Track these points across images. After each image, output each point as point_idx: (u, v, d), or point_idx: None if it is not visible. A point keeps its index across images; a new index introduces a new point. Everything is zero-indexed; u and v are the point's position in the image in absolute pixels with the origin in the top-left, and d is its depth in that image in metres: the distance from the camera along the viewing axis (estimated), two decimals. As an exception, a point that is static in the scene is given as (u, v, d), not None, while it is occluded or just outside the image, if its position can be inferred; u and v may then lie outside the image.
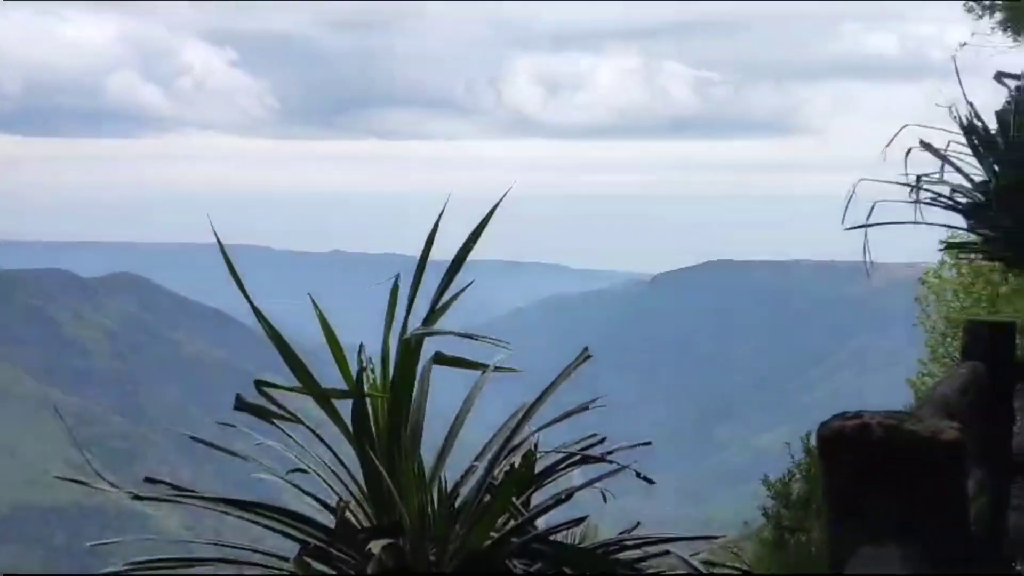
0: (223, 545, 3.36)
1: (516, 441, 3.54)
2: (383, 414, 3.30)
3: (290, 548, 3.13)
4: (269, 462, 3.53)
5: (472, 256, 3.52)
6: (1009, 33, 11.71)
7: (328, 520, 3.23)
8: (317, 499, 3.35)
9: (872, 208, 8.43)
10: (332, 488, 3.35)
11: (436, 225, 3.46)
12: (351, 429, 3.19)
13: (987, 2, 11.86)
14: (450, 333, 3.36)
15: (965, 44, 12.55)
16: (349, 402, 3.25)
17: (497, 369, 3.73)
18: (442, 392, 3.81)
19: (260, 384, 3.33)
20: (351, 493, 3.32)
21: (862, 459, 1.33)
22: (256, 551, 3.30)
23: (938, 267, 15.17)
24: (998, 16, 11.72)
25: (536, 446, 3.76)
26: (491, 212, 3.46)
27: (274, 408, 3.36)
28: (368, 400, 3.20)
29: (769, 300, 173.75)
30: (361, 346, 3.21)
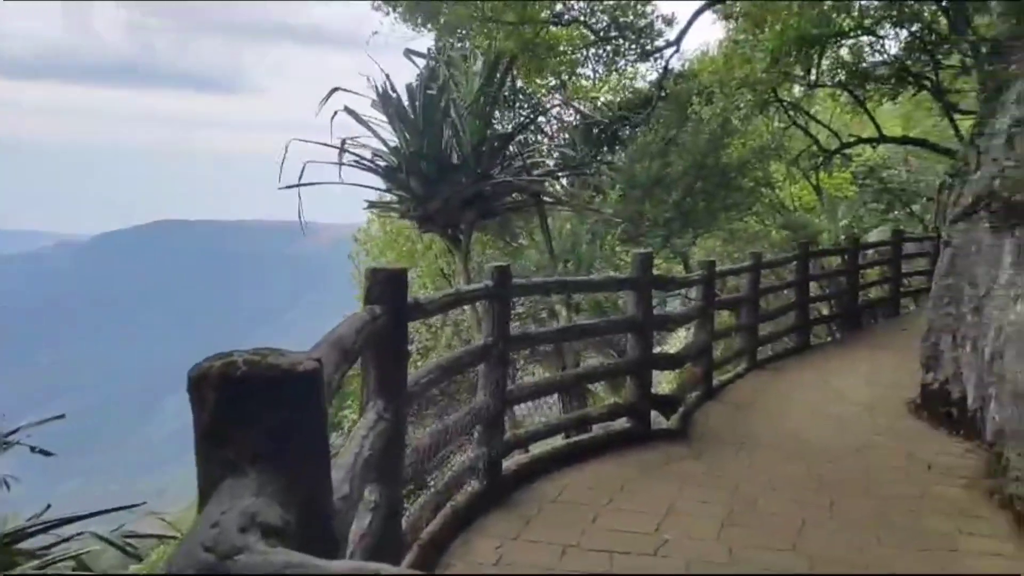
0: None
1: None
2: None
3: None
4: None
5: None
6: (409, 25, 13.24)
7: None
8: None
9: (303, 169, 8.82)
10: None
11: None
12: None
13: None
14: None
15: (376, 33, 13.81)
16: None
17: None
18: None
19: None
20: None
21: (226, 395, 1.36)
22: None
23: (367, 225, 16.69)
24: (400, 9, 13.14)
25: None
26: None
27: None
28: None
29: (219, 261, 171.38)
30: None
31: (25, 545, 3.18)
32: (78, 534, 3.30)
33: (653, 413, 7.25)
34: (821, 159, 17.01)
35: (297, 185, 8.68)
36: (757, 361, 10.34)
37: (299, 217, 8.89)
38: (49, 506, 3.58)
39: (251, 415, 1.38)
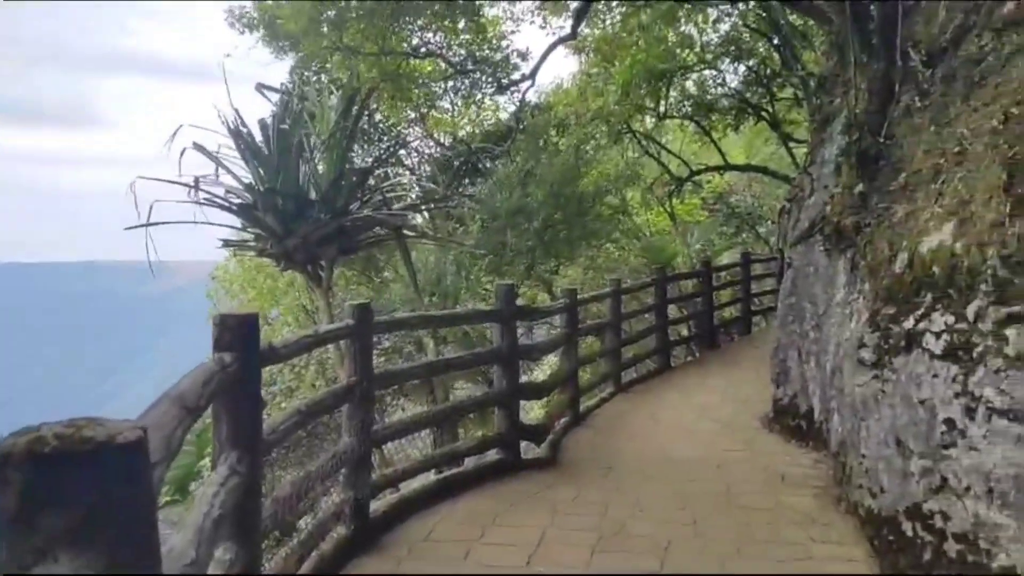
0: None
1: None
2: None
3: None
4: None
5: None
6: (269, 50, 12.97)
7: None
8: None
9: (151, 208, 8.41)
10: None
11: None
12: None
13: (243, 19, 12.90)
14: None
15: (229, 55, 13.45)
16: None
17: None
18: None
19: None
20: None
21: (33, 475, 1.25)
22: None
23: (225, 262, 16.10)
24: (260, 32, 12.86)
25: None
26: None
27: None
28: None
29: (65, 304, 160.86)
30: None
31: None
32: None
33: (524, 443, 7.28)
34: (673, 186, 17.77)
35: (145, 225, 8.26)
36: (622, 384, 10.60)
37: (147, 258, 8.45)
38: None
39: (63, 495, 1.27)
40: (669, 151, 19.19)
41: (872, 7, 6.05)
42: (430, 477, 6.74)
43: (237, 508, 3.11)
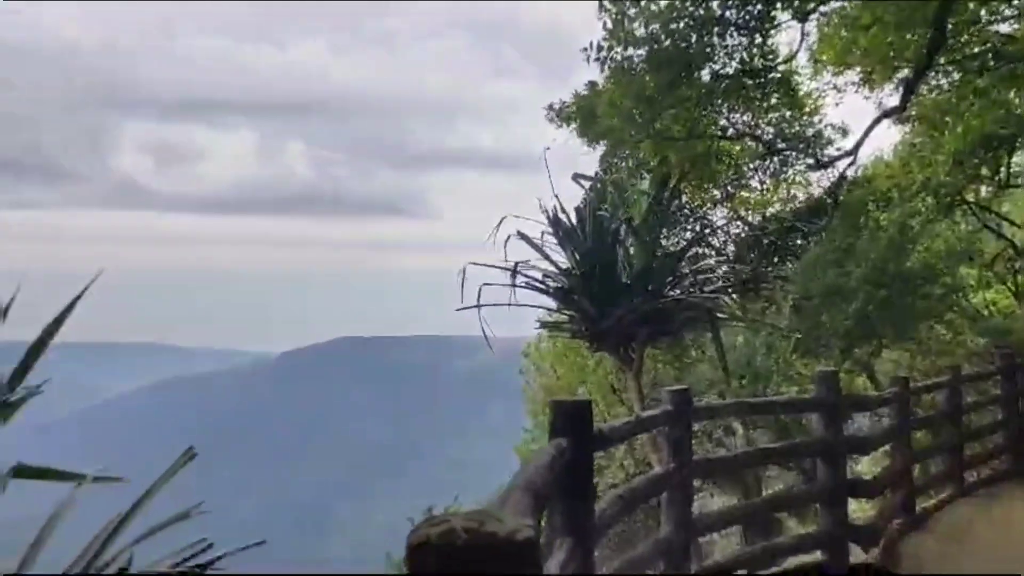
0: None
1: (104, 559, 3.13)
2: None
3: None
4: None
5: (59, 339, 3.12)
6: (584, 140, 13.67)
7: None
8: None
9: (480, 290, 9.15)
10: None
11: (8, 305, 3.02)
12: None
13: (562, 114, 13.74)
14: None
15: (549, 148, 14.39)
16: None
17: (97, 480, 3.31)
18: (30, 502, 3.28)
19: None
20: None
21: (446, 563, 1.36)
22: None
23: (537, 340, 16.88)
24: (574, 125, 13.62)
25: (130, 562, 3.37)
26: (85, 289, 3.11)
27: None
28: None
29: (395, 376, 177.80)
30: None
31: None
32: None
33: (851, 545, 6.68)
34: (1019, 262, 15.74)
35: (476, 306, 8.97)
36: (964, 486, 9.39)
37: (483, 334, 9.11)
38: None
39: (472, 584, 1.37)
40: (1012, 222, 17.09)
41: None
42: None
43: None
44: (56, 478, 3.28)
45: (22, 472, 3.09)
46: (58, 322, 3.00)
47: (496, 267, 9.18)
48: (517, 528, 1.42)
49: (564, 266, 9.18)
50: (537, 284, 9.24)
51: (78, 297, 3.10)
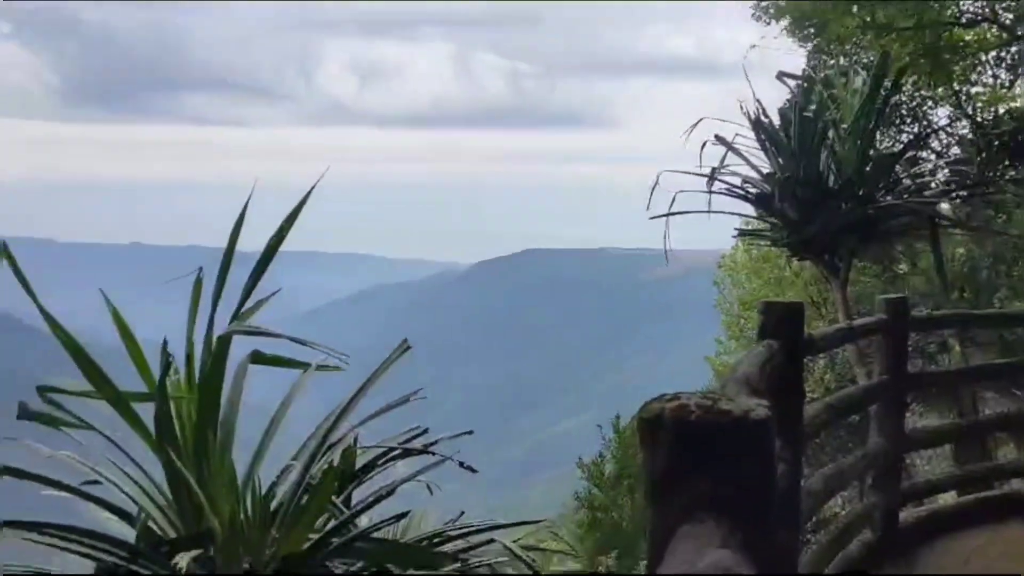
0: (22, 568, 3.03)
1: (335, 438, 3.43)
2: (189, 417, 3.09)
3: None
4: (60, 476, 3.20)
5: (284, 247, 3.36)
6: (792, 38, 12.73)
7: (129, 535, 2.98)
8: (117, 511, 3.09)
9: (674, 198, 8.91)
10: (134, 500, 3.10)
11: (243, 215, 3.27)
12: (153, 434, 2.96)
13: (771, 10, 12.83)
14: (267, 334, 3.18)
15: (755, 46, 13.52)
16: (151, 406, 3.02)
17: (319, 368, 3.60)
18: (258, 391, 3.63)
19: (44, 390, 3.02)
20: (155, 503, 3.09)
21: (679, 439, 1.36)
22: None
23: (732, 251, 16.36)
24: (783, 22, 12.70)
25: (356, 441, 3.66)
26: (304, 200, 3.31)
27: (63, 416, 3.05)
28: (172, 402, 2.98)
29: (579, 288, 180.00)
30: (164, 342, 2.97)
31: (446, 548, 3.50)
32: (487, 542, 3.56)
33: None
34: None
35: (669, 214, 8.76)
36: None
37: (664, 246, 8.95)
38: (463, 513, 3.90)
39: (704, 462, 1.37)
40: None
41: None
42: (950, 496, 6.05)
43: (783, 496, 3.12)
44: (286, 365, 3.59)
45: (258, 359, 3.40)
46: (281, 234, 3.22)
47: (691, 173, 8.88)
48: (752, 407, 1.40)
49: (766, 171, 8.73)
50: (736, 190, 8.87)
51: (298, 209, 3.28)
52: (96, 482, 3.15)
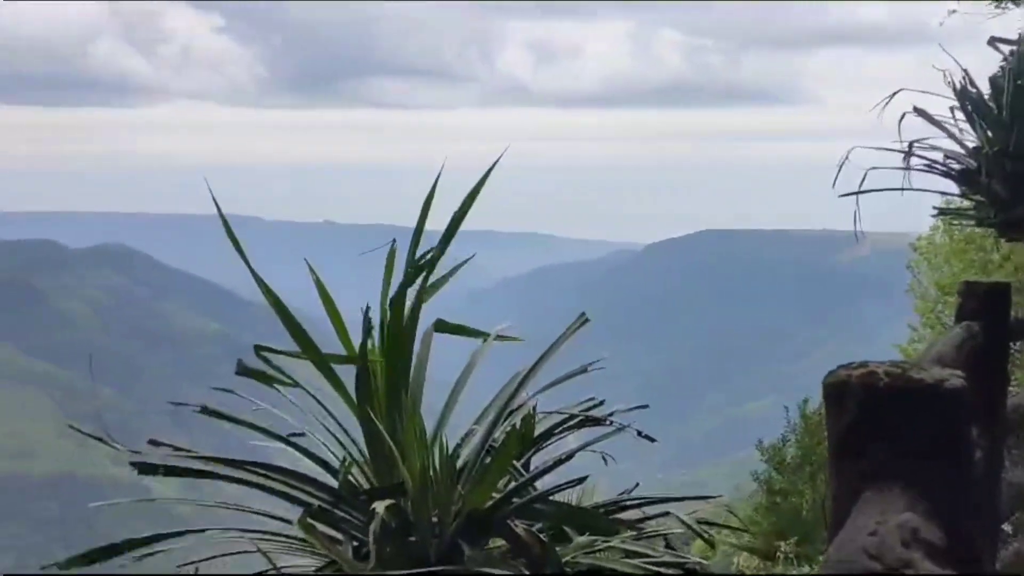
0: (225, 507, 3.40)
1: (515, 405, 3.57)
2: (383, 379, 3.32)
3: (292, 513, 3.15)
4: (269, 427, 3.55)
5: (461, 226, 3.52)
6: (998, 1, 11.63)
7: (330, 483, 3.26)
8: (319, 461, 3.38)
9: (864, 176, 8.43)
10: (333, 452, 3.38)
11: (432, 191, 3.44)
12: (353, 393, 3.22)
13: None
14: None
15: (955, 11, 12.48)
16: (348, 368, 3.28)
17: (499, 338, 3.75)
18: (440, 359, 3.83)
19: (260, 349, 3.35)
20: (352, 457, 3.35)
21: (866, 405, 1.36)
22: (259, 514, 3.33)
23: (930, 233, 15.26)
24: None
25: (535, 409, 3.79)
26: (485, 176, 3.44)
27: (276, 374, 3.37)
28: (369, 364, 3.22)
29: (760, 270, 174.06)
30: (367, 308, 3.21)
31: (622, 517, 3.56)
32: (662, 514, 3.59)
33: None
34: None
35: (856, 192, 8.31)
36: None
37: (855, 226, 8.50)
38: (638, 484, 3.95)
39: (891, 429, 1.35)
40: None
41: None
42: None
43: (978, 483, 2.94)
44: (467, 334, 3.76)
45: (442, 327, 3.59)
46: (465, 207, 3.36)
47: (886, 149, 8.36)
48: (945, 377, 1.36)
49: (971, 144, 8.08)
50: (937, 166, 8.27)
51: (479, 185, 3.41)
52: (301, 434, 3.47)
